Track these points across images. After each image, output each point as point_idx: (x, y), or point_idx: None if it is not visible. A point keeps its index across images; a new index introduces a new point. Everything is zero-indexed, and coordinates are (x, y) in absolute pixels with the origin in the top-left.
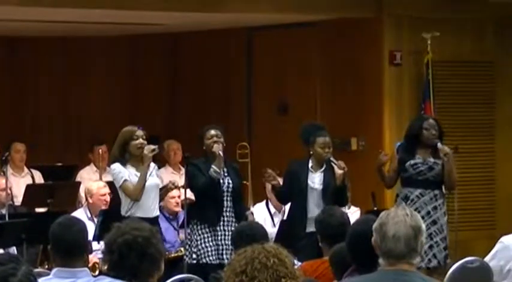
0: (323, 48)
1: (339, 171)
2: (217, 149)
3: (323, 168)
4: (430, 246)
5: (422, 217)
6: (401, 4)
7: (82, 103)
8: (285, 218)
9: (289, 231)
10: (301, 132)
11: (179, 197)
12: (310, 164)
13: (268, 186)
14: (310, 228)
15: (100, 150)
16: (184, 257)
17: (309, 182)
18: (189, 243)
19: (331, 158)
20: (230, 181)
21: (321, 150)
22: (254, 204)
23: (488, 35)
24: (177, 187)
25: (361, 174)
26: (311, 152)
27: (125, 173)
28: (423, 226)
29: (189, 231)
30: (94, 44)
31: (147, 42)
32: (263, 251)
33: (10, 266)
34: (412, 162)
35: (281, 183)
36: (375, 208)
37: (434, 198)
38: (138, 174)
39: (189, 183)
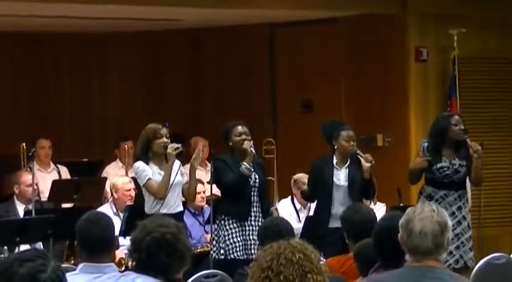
0: (347, 45)
1: (366, 164)
2: (248, 145)
3: (347, 164)
4: (457, 247)
5: None
6: (426, 0)
7: (104, 99)
8: (310, 214)
9: (314, 228)
10: (322, 129)
11: (204, 192)
12: (334, 161)
13: (293, 182)
14: (335, 224)
15: (126, 146)
16: (212, 252)
17: (335, 179)
18: (216, 239)
19: (358, 151)
20: (257, 176)
21: (346, 144)
22: (280, 199)
23: None
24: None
25: (387, 171)
26: (335, 147)
27: (149, 172)
28: (449, 222)
29: (216, 226)
30: (115, 40)
31: (168, 37)
32: (289, 247)
33: (39, 263)
34: (438, 166)
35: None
36: (401, 204)
37: (458, 199)
38: (161, 172)
39: (217, 179)
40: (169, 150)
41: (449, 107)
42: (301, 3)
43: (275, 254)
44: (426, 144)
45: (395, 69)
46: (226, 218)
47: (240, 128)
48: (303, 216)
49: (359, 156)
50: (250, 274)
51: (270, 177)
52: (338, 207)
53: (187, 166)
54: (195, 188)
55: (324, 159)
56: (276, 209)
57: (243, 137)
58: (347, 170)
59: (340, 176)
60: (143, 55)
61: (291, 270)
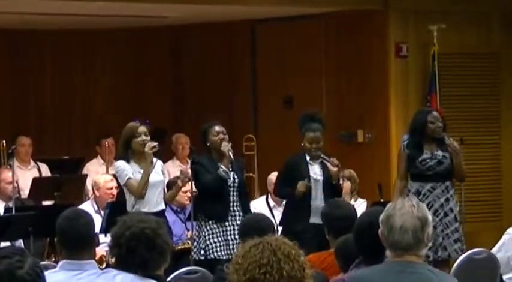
0: (328, 41)
1: (333, 169)
2: (227, 148)
3: (319, 160)
4: (442, 239)
5: (436, 210)
6: None
7: (86, 97)
8: None
9: (292, 224)
10: (298, 120)
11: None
12: (307, 157)
13: (270, 180)
14: (314, 219)
15: (107, 143)
16: (192, 254)
17: (311, 173)
18: (196, 239)
19: (322, 155)
20: (236, 176)
21: (309, 146)
22: (260, 195)
23: (494, 27)
24: (189, 179)
25: (367, 166)
26: (302, 144)
27: (129, 171)
28: (430, 217)
29: (196, 227)
30: (97, 37)
31: (150, 35)
32: (280, 243)
33: (16, 259)
34: (420, 158)
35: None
36: (381, 200)
37: (446, 190)
38: (142, 170)
39: (195, 181)
40: (146, 149)
41: (430, 102)
42: (283, 0)
43: (270, 250)
44: (406, 142)
45: (376, 65)
46: (206, 219)
47: (217, 128)
48: (277, 213)
49: (324, 161)
50: (240, 270)
51: (251, 174)
52: (316, 202)
53: (168, 163)
54: (174, 197)
55: (298, 155)
56: None
57: (221, 136)
58: (320, 164)
59: (316, 171)
60: (125, 53)
61: (292, 266)
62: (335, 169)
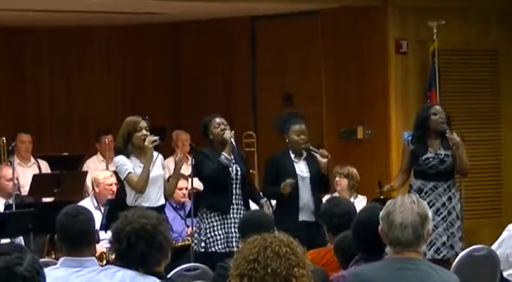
0: (328, 37)
1: (323, 160)
2: (229, 135)
3: (304, 156)
4: (447, 237)
5: (438, 209)
6: None
7: (85, 93)
8: None
9: (283, 223)
10: (276, 121)
11: (186, 188)
12: (292, 155)
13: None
14: (303, 217)
15: (106, 140)
16: (193, 245)
17: (298, 171)
18: (197, 231)
19: (311, 147)
20: (238, 168)
21: (297, 137)
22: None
23: (493, 23)
24: (188, 177)
25: (367, 163)
26: (287, 140)
27: (129, 165)
28: (430, 214)
29: (197, 219)
30: (96, 34)
31: (149, 32)
32: (275, 240)
33: (15, 256)
34: (423, 157)
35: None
36: (381, 196)
37: (448, 189)
38: (142, 165)
39: (197, 171)
40: (146, 143)
41: (429, 99)
42: None
43: (262, 247)
44: (410, 137)
45: (376, 61)
46: (207, 211)
47: (218, 119)
48: None
49: (313, 153)
50: (234, 265)
51: (251, 170)
52: (303, 199)
53: (169, 159)
54: (175, 187)
55: (282, 152)
56: (266, 201)
57: (222, 127)
58: (305, 161)
59: (302, 168)
60: (124, 50)
61: (278, 264)
62: (324, 160)
